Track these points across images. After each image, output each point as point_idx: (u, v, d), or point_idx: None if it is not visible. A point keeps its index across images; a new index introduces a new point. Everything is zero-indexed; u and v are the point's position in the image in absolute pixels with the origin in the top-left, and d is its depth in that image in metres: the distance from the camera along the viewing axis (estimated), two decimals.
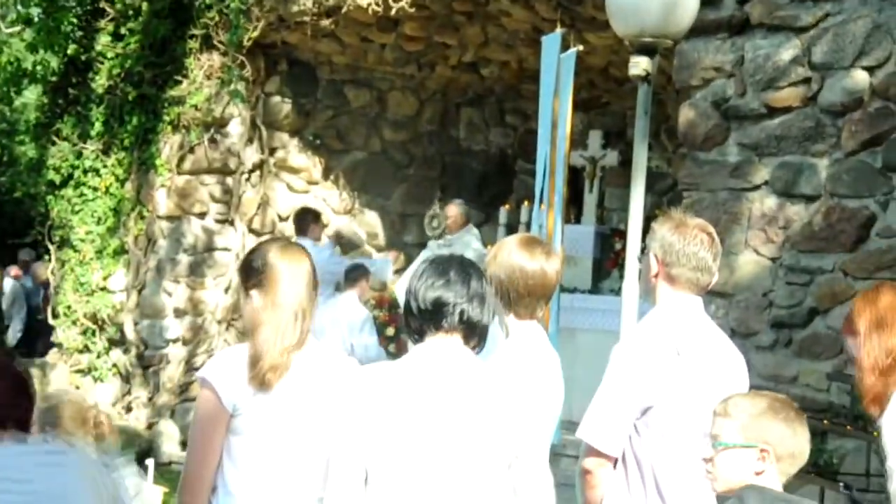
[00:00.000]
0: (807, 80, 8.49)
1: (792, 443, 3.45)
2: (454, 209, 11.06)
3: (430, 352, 3.44)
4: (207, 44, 11.65)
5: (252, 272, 3.91)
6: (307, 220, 11.04)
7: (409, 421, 3.34)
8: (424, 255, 10.97)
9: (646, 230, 8.85)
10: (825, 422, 7.98)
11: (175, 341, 11.79)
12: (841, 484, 7.18)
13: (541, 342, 4.27)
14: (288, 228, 12.14)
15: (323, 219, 11.69)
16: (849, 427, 7.65)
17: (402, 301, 10.75)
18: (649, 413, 3.88)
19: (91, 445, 4.48)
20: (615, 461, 3.93)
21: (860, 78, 8.28)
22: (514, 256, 4.19)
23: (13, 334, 14.85)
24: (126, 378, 11.84)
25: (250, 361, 3.78)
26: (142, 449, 10.64)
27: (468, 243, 10.95)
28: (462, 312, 3.42)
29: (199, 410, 3.82)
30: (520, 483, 3.44)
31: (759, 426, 3.42)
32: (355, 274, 10.39)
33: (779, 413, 3.45)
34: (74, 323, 11.95)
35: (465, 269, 3.51)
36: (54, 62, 12.68)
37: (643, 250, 4.22)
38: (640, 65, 8.22)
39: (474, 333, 3.47)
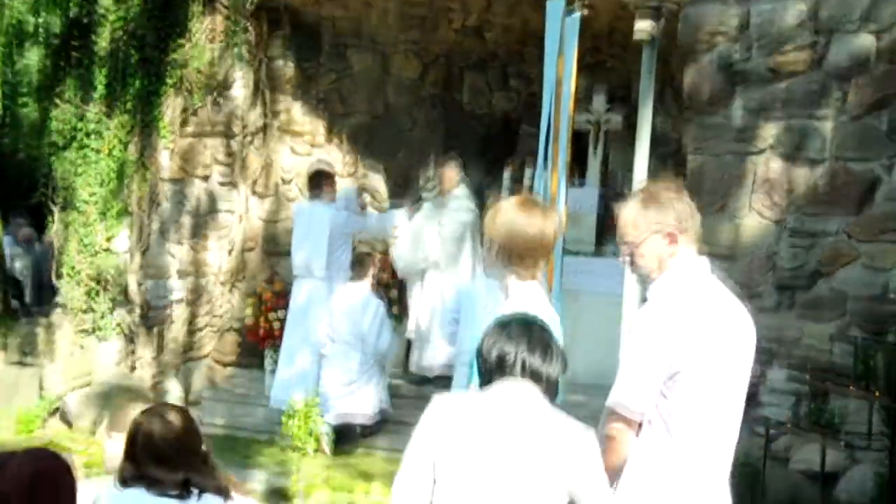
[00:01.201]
0: (813, 43, 8.49)
1: None
2: (449, 169, 11.07)
3: (497, 390, 3.60)
4: (210, 5, 11.62)
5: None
6: (321, 180, 11.06)
7: (466, 449, 3.50)
8: (420, 215, 10.98)
9: None
10: (828, 382, 8.04)
11: (178, 302, 11.82)
12: (842, 443, 7.24)
13: (541, 302, 4.29)
14: (291, 190, 12.15)
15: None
16: (851, 387, 7.70)
17: (398, 266, 10.89)
18: (677, 377, 3.88)
19: None
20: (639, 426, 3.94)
21: (866, 41, 8.29)
22: (512, 218, 4.22)
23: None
24: (130, 337, 11.86)
25: None
26: None
27: (462, 205, 10.97)
28: (524, 361, 3.57)
29: None
30: None
31: None
32: (360, 264, 10.47)
33: None
34: (78, 283, 11.97)
35: (527, 324, 3.64)
36: (56, 24, 12.64)
37: (631, 254, 4.10)
38: (644, 27, 8.24)
39: (540, 381, 3.58)
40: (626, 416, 3.90)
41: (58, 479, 3.21)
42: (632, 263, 4.06)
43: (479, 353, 3.65)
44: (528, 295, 4.26)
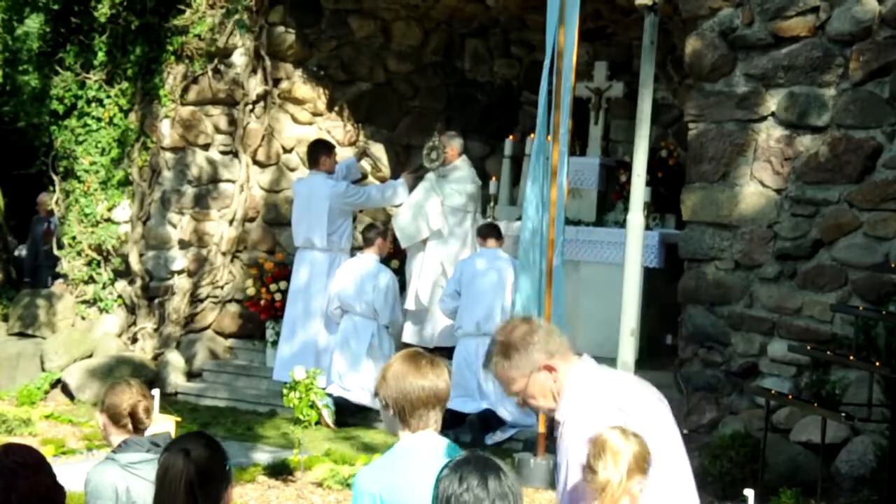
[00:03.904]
0: (815, 9, 8.42)
1: None
2: (452, 141, 11.04)
3: None
4: None
5: None
6: (319, 152, 11.02)
7: None
8: (422, 186, 10.93)
9: (651, 162, 8.85)
10: (828, 353, 8.01)
11: (180, 273, 11.80)
12: (843, 414, 7.22)
13: (428, 454, 3.99)
14: (293, 160, 12.10)
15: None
16: (852, 358, 7.68)
17: (400, 236, 10.85)
18: None
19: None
20: None
21: (869, 6, 8.21)
22: (403, 375, 3.97)
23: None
24: (131, 309, 11.87)
25: None
26: (148, 379, 10.72)
27: (464, 176, 10.93)
28: None
29: None
30: None
31: None
32: (371, 235, 10.46)
33: None
34: (79, 254, 11.97)
35: (485, 473, 3.47)
36: None
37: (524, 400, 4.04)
38: None
39: None
40: None
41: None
42: (528, 405, 3.99)
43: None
44: (417, 445, 3.97)
